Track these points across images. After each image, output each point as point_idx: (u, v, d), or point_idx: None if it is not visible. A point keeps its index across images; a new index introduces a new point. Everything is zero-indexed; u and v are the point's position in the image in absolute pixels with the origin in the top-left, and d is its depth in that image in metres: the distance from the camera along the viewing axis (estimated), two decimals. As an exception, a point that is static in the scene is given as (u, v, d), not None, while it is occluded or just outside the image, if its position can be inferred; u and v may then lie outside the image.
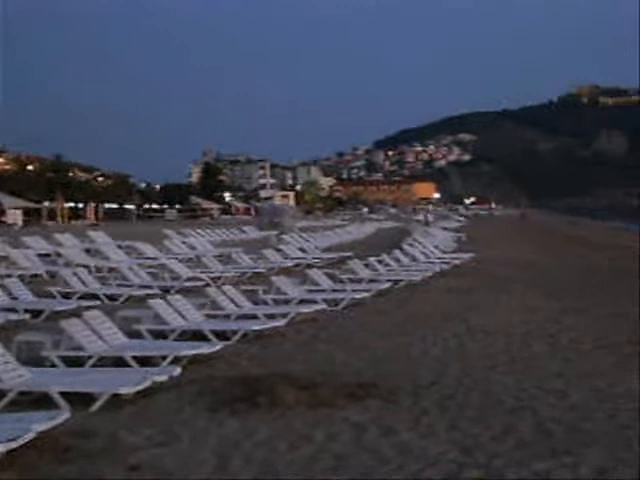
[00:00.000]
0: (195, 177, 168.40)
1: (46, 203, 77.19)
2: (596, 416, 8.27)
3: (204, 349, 11.17)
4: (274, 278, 18.57)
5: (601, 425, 7.94)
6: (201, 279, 21.51)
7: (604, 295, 20.25)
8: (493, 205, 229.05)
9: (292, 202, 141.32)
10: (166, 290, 18.89)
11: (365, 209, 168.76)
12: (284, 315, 14.54)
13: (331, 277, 21.06)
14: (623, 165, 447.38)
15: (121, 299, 18.16)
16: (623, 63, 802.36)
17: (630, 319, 15.50)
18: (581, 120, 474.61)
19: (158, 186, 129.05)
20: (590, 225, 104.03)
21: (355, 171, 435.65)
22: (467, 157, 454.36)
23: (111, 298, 18.16)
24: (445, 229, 62.92)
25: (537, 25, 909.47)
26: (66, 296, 18.03)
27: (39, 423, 6.97)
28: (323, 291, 18.79)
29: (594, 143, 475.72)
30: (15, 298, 16.71)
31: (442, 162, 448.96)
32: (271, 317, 14.38)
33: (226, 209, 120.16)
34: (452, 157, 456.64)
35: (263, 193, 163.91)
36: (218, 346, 11.51)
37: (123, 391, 8.89)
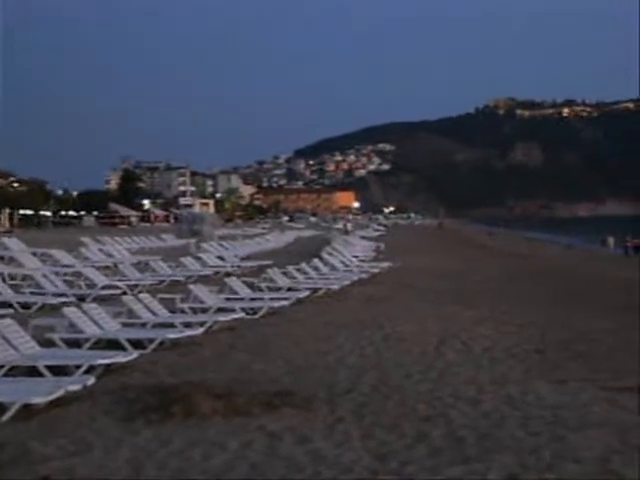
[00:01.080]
0: (113, 184, 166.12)
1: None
2: (507, 423, 8.43)
3: (119, 358, 11.04)
4: (192, 286, 18.44)
5: (512, 432, 8.09)
6: (118, 287, 21.22)
7: (517, 304, 20.70)
8: (412, 214, 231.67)
9: (212, 210, 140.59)
10: (82, 298, 18.60)
11: (285, 217, 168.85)
12: (201, 324, 14.47)
13: (250, 286, 21.01)
14: (538, 176, 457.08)
15: (35, 307, 17.81)
16: (539, 76, 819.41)
17: (539, 328, 15.90)
18: (498, 132, 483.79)
19: (75, 193, 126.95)
20: (505, 235, 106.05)
21: (276, 179, 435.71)
22: (387, 167, 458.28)
23: (24, 306, 17.79)
24: (364, 238, 63.42)
25: (455, 38, 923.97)
26: (-23, 304, 17.60)
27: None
28: (241, 299, 18.74)
29: (510, 154, 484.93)
30: None
31: (362, 171, 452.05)
32: (188, 326, 14.30)
33: (145, 216, 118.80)
34: (372, 167, 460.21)
35: (183, 201, 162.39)
36: (134, 355, 11.39)
37: (35, 401, 8.73)
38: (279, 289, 21.62)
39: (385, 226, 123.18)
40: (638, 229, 78.95)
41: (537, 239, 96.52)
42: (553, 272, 35.98)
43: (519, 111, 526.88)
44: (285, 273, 24.03)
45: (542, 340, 14.27)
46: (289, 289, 21.65)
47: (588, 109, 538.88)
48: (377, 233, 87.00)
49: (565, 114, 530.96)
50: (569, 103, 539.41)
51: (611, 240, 62.28)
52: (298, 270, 25.40)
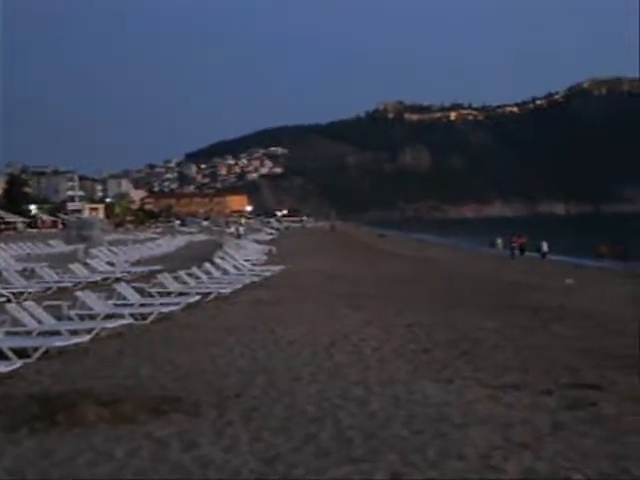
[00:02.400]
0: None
1: None
2: (393, 422, 8.54)
3: (2, 368, 10.75)
4: (79, 293, 18.06)
5: (397, 431, 8.21)
6: (1, 295, 20.66)
7: (405, 305, 21.02)
8: (305, 218, 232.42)
9: (102, 215, 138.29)
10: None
11: (177, 222, 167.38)
12: (89, 331, 14.20)
13: (139, 291, 20.74)
14: (426, 179, 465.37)
15: None
16: (427, 80, 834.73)
17: (427, 328, 16.20)
18: (387, 135, 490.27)
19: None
20: (396, 237, 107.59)
21: (167, 184, 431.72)
22: (279, 170, 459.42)
23: None
24: (257, 242, 63.36)
25: (344, 42, 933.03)
26: None
27: None
28: (131, 305, 18.45)
29: (400, 157, 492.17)
30: None
31: (254, 175, 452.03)
32: (75, 333, 14.00)
33: (32, 222, 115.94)
34: (264, 170, 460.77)
35: (71, 206, 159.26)
36: (17, 364, 11.09)
37: None
38: (169, 294, 21.39)
39: (277, 229, 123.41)
40: (523, 229, 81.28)
41: (427, 241, 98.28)
42: (441, 273, 36.72)
43: (408, 115, 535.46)
44: (176, 278, 23.78)
45: (429, 340, 14.54)
46: (180, 294, 21.44)
47: (474, 113, 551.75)
48: (269, 236, 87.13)
49: (452, 118, 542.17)
50: (456, 107, 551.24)
51: (499, 241, 63.89)
52: (189, 275, 25.17)
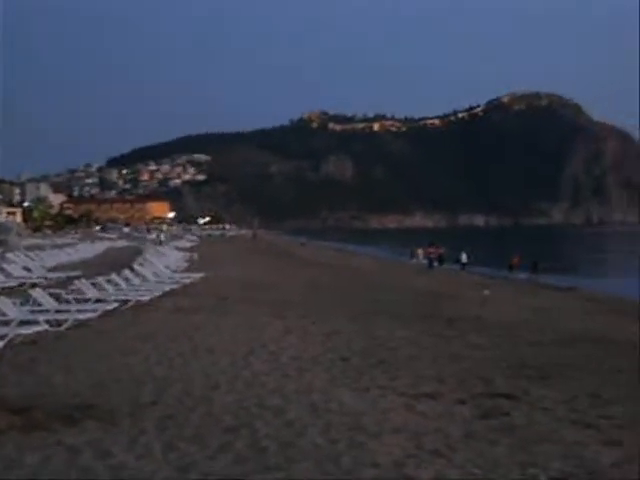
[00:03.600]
0: None
1: None
2: (310, 431, 8.58)
3: None
4: (-7, 298, 17.66)
5: (313, 439, 8.25)
6: None
7: (325, 313, 21.11)
8: (227, 225, 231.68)
9: (19, 219, 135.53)
10: None
11: (97, 227, 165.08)
12: (2, 337, 13.89)
13: (56, 297, 20.36)
14: (349, 189, 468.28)
15: None
16: (350, 91, 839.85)
17: (345, 336, 16.30)
18: (311, 144, 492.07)
19: None
20: (318, 246, 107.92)
21: (87, 189, 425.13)
22: (202, 177, 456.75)
23: None
24: (178, 249, 62.85)
25: (270, 52, 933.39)
26: None
27: None
28: (47, 312, 18.11)
29: (323, 167, 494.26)
30: None
31: (177, 181, 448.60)
32: (-13, 340, 13.69)
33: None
34: (187, 177, 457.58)
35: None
36: None
37: None
38: (87, 301, 21.05)
39: (199, 237, 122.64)
40: (442, 240, 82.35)
41: (348, 250, 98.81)
42: (361, 282, 36.97)
43: (331, 125, 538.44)
44: (94, 284, 23.43)
45: (347, 349, 14.62)
46: (97, 301, 21.12)
47: (397, 124, 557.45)
48: (191, 244, 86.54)
49: (376, 129, 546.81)
50: (379, 118, 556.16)
51: (420, 251, 64.60)
52: (108, 281, 24.81)
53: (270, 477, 6.98)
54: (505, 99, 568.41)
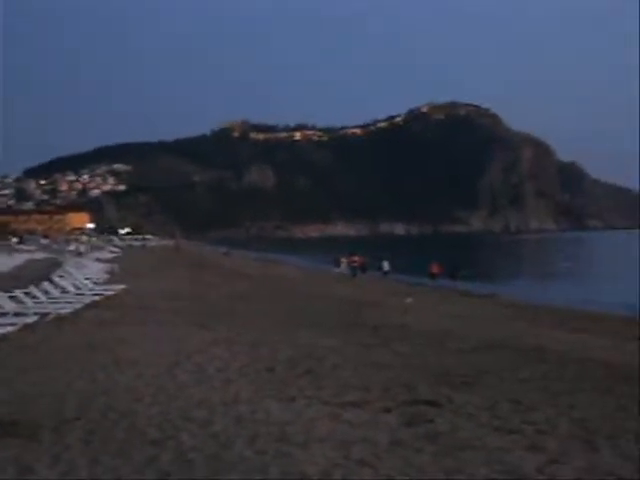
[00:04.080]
0: None
1: None
2: (236, 443, 8.55)
3: None
4: None
5: (240, 451, 8.22)
6: None
7: (250, 323, 21.05)
8: (148, 236, 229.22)
9: None
10: None
11: (14, 239, 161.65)
12: None
13: (-28, 311, 19.91)
14: (272, 198, 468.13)
15: None
16: (272, 100, 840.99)
17: (270, 346, 16.28)
18: (233, 154, 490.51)
19: None
20: (241, 256, 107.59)
21: (4, 200, 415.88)
22: (122, 187, 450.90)
23: None
24: (99, 260, 61.98)
25: (191, 60, 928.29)
26: None
27: None
28: (-37, 326, 17.69)
29: (245, 176, 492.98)
30: None
31: (97, 192, 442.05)
32: None
33: None
34: (107, 187, 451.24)
35: None
36: None
37: None
38: (5, 314, 20.62)
39: (120, 247, 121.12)
40: (364, 248, 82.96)
41: (271, 259, 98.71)
42: (285, 291, 36.97)
43: (253, 134, 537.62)
44: (12, 297, 22.96)
45: (273, 359, 14.60)
46: (16, 314, 20.71)
47: (319, 134, 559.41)
48: (112, 255, 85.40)
49: (297, 138, 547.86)
50: (301, 127, 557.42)
51: (344, 260, 64.88)
52: (27, 294, 24.36)
53: (197, 490, 6.93)
54: (424, 109, 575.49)
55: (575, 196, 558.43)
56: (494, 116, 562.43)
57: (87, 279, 33.91)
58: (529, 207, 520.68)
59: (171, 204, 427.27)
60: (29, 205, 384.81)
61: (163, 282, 39.46)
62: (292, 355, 15.14)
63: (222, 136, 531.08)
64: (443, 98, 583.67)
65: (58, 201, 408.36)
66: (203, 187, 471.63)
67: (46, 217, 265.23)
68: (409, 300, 32.62)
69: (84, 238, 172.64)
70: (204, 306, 26.80)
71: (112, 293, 29.24)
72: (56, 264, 46.65)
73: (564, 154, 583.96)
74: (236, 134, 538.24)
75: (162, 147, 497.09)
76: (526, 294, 43.44)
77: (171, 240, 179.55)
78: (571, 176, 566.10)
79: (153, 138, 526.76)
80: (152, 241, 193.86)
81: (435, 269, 54.07)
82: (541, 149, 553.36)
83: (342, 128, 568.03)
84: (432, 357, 15.45)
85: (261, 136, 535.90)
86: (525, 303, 35.97)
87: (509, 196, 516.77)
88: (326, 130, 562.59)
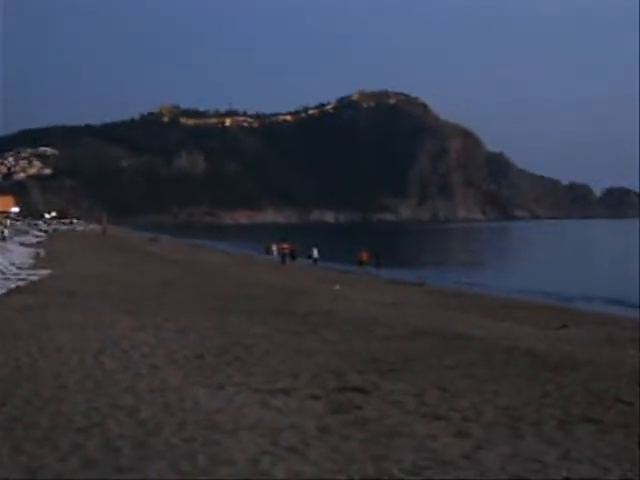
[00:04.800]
0: None
1: None
2: (164, 430, 8.47)
3: None
4: None
5: (168, 439, 8.15)
6: None
7: (178, 310, 20.90)
8: (75, 220, 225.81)
9: None
10: None
11: None
12: None
13: None
14: (201, 184, 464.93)
15: None
16: (202, 85, 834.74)
17: (199, 333, 16.18)
18: (162, 139, 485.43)
19: None
20: (169, 242, 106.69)
21: None
22: (48, 171, 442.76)
23: None
24: (24, 245, 60.90)
25: (119, 43, 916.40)
26: None
27: None
28: None
29: (175, 162, 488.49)
30: None
31: (22, 175, 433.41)
32: None
33: None
34: (33, 171, 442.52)
35: None
36: None
37: None
38: None
39: (46, 232, 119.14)
40: (294, 236, 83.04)
41: (200, 246, 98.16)
42: (214, 278, 36.78)
43: (183, 119, 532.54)
44: None
45: (201, 346, 14.52)
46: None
47: (249, 120, 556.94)
48: (37, 239, 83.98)
49: (228, 124, 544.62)
50: (231, 113, 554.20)
51: (275, 247, 64.80)
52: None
53: (124, 478, 6.85)
54: (355, 97, 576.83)
55: (502, 186, 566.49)
56: (423, 105, 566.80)
57: (11, 264, 33.34)
58: (457, 196, 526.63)
59: (98, 189, 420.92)
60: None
61: (90, 267, 38.92)
62: (221, 342, 15.08)
63: (151, 121, 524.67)
64: (374, 86, 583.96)
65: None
66: (131, 172, 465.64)
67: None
68: (337, 287, 32.75)
69: (7, 222, 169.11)
70: (131, 292, 26.52)
71: (37, 278, 28.80)
72: (-21, 248, 45.64)
73: (492, 144, 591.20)
74: (165, 119, 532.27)
75: (89, 131, 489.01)
76: (454, 282, 43.99)
77: (98, 225, 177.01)
78: (498, 166, 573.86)
79: (80, 122, 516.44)
80: (79, 226, 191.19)
81: (364, 257, 54.41)
82: (469, 139, 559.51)
83: (273, 115, 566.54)
84: (360, 344, 15.53)
85: (191, 121, 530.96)
86: (452, 291, 36.43)
87: (438, 185, 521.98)
88: (256, 116, 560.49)
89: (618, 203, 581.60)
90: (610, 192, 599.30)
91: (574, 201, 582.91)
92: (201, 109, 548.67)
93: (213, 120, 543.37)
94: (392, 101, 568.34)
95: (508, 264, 69.09)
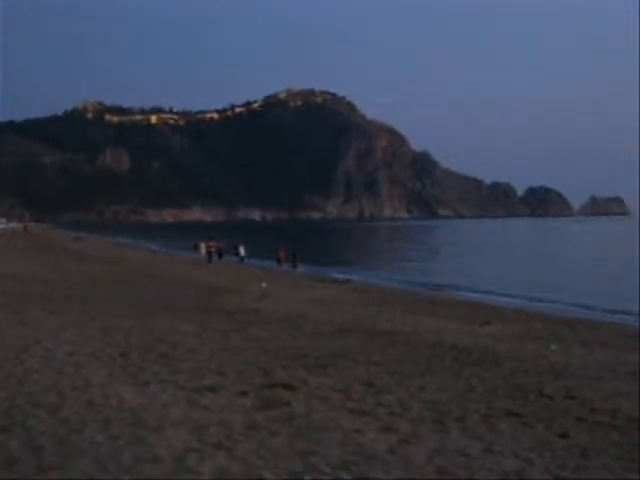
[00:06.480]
0: None
1: None
2: (87, 428, 8.34)
3: None
4: None
5: (92, 436, 8.02)
6: None
7: (103, 308, 20.63)
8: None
9: None
10: None
11: None
12: None
13: None
14: (126, 182, 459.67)
15: None
16: (127, 83, 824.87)
17: (124, 331, 16.00)
18: (86, 136, 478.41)
19: None
20: (94, 240, 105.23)
21: None
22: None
23: None
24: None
25: (42, 40, 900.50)
26: None
27: None
28: None
29: (99, 159, 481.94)
30: None
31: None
32: None
33: None
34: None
35: None
36: None
37: None
38: None
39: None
40: (221, 234, 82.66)
41: (126, 244, 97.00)
42: (140, 276, 36.40)
43: (108, 116, 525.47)
44: None
45: (127, 343, 14.36)
46: None
47: (175, 117, 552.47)
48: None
49: (153, 121, 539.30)
50: (157, 111, 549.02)
51: (202, 245, 64.36)
52: None
53: (46, 478, 6.73)
54: (282, 95, 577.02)
55: (427, 185, 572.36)
56: (350, 104, 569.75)
57: None
58: (383, 195, 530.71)
59: (20, 186, 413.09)
60: None
61: (10, 266, 38.14)
62: (147, 340, 14.94)
63: (75, 117, 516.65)
64: (301, 85, 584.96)
65: None
66: (54, 169, 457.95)
67: None
68: (264, 285, 32.70)
69: None
70: (55, 291, 26.09)
71: (-44, 277, 28.13)
72: None
73: (417, 143, 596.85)
74: (90, 116, 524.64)
75: (10, 127, 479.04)
76: (380, 280, 44.29)
77: (20, 223, 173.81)
78: (423, 165, 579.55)
79: (1, 118, 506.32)
80: (0, 223, 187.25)
81: (282, 255, 54.72)
82: (395, 138, 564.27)
83: (199, 112, 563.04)
84: (287, 341, 15.54)
85: (115, 118, 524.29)
86: (379, 289, 36.66)
87: (364, 184, 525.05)
88: (183, 114, 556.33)
89: (540, 201, 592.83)
90: (532, 191, 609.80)
91: (497, 200, 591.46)
92: (126, 106, 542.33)
93: (138, 117, 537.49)
94: (319, 100, 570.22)
95: (432, 261, 69.82)
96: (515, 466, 7.50)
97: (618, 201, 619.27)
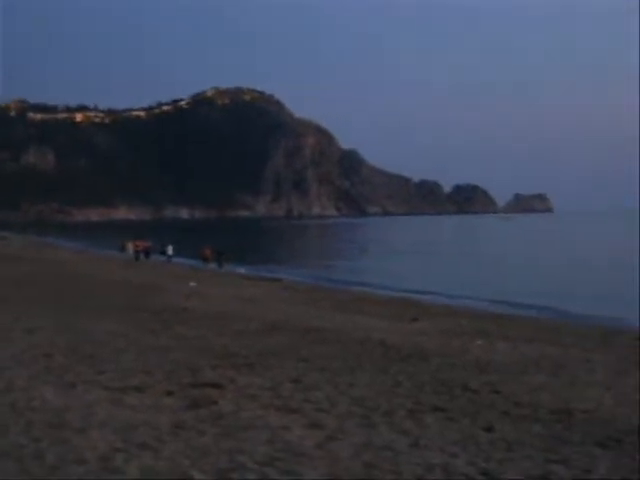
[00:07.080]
0: None
1: None
2: (10, 431, 8.18)
3: None
4: None
5: (15, 439, 7.87)
6: None
7: (27, 309, 20.28)
8: None
9: None
10: None
11: None
12: None
13: None
14: (51, 181, 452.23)
15: None
16: (50, 80, 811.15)
17: (48, 332, 15.74)
18: (9, 134, 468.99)
19: None
20: (18, 239, 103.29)
21: None
22: None
23: None
24: None
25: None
26: None
27: None
28: None
29: (22, 158, 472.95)
30: None
31: None
32: None
33: None
34: None
35: None
36: None
37: None
38: None
39: None
40: (148, 233, 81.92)
41: (52, 244, 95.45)
42: (66, 276, 35.86)
43: (31, 114, 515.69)
44: None
45: (51, 344, 14.13)
46: None
47: (101, 115, 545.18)
48: None
49: (78, 119, 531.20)
50: (82, 109, 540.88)
51: (130, 245, 63.70)
52: None
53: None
54: (209, 93, 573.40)
55: (355, 183, 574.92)
56: (278, 102, 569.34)
57: None
58: (312, 193, 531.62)
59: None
60: None
61: None
62: (72, 340, 14.73)
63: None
64: (228, 83, 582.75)
65: None
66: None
67: None
68: (192, 284, 32.51)
69: None
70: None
71: None
72: None
73: (345, 142, 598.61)
74: (12, 113, 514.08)
75: None
76: (309, 278, 44.39)
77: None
78: (352, 163, 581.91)
79: None
80: None
81: (207, 253, 54.39)
82: (323, 136, 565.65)
83: (125, 110, 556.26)
84: (215, 340, 15.49)
85: (39, 116, 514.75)
86: (307, 287, 36.76)
87: (292, 182, 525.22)
88: (108, 112, 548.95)
89: (466, 199, 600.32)
90: (458, 188, 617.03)
91: (425, 198, 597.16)
92: (50, 104, 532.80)
93: (63, 115, 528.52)
94: (247, 98, 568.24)
95: (360, 259, 70.16)
96: (441, 460, 7.59)
97: (542, 198, 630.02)
